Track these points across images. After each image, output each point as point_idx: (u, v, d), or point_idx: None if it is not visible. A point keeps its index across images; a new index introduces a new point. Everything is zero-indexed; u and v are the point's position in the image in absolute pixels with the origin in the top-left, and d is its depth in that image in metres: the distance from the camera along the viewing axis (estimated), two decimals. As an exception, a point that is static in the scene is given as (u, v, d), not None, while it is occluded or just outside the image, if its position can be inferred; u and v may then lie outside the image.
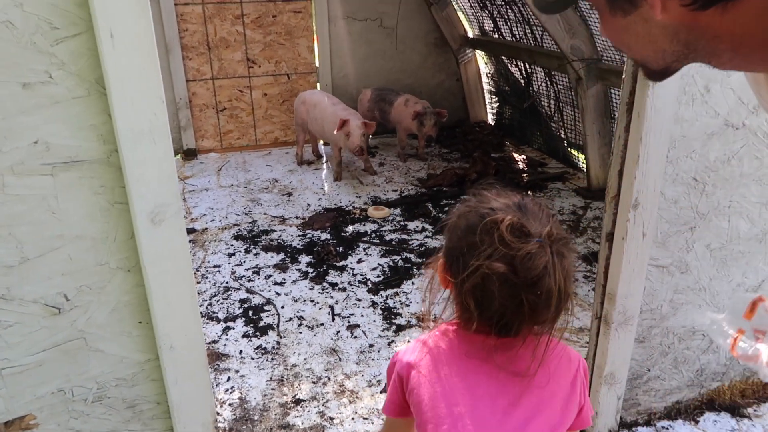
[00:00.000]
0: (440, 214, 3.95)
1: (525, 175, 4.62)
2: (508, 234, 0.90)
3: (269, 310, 2.85)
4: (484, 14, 5.20)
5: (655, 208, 1.74)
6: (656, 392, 2.13)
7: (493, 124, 5.90)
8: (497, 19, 5.01)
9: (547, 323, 0.96)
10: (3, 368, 1.31)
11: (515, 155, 5.17)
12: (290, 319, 2.78)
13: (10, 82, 1.12)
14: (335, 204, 4.18)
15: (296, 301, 2.94)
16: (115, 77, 1.14)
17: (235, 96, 5.31)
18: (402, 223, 3.83)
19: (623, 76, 1.65)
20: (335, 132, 4.21)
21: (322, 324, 2.74)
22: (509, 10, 4.72)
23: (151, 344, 1.42)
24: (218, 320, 2.77)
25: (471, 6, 5.30)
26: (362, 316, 2.80)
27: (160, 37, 4.88)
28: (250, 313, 2.83)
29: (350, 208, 4.10)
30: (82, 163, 1.22)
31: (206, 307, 2.88)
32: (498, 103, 5.82)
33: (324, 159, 5.17)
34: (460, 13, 5.55)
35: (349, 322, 2.75)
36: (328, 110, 4.43)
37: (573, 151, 4.83)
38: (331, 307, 2.87)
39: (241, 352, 2.53)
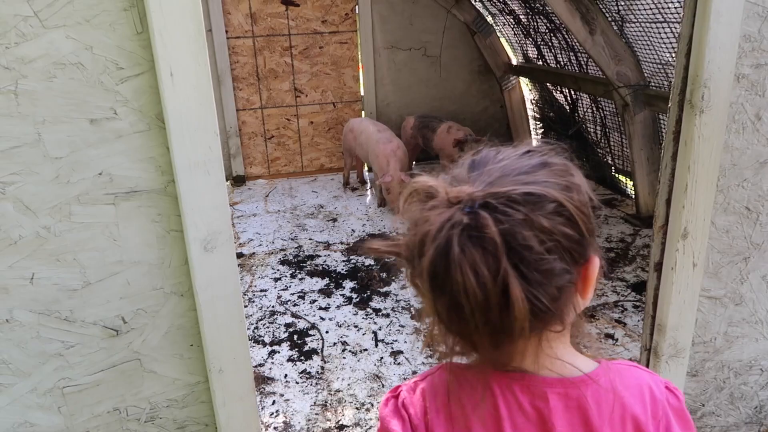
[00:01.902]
0: (484, 241, 3.93)
1: (571, 201, 4.56)
2: (416, 201, 0.68)
3: (314, 335, 2.89)
4: (527, 42, 5.22)
5: (706, 238, 1.71)
6: (712, 429, 2.05)
7: (537, 150, 5.86)
8: (541, 47, 5.01)
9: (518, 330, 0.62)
10: (64, 387, 1.38)
11: (561, 181, 5.11)
12: (334, 344, 2.81)
13: (80, 118, 1.20)
14: (379, 230, 4.22)
15: (340, 326, 2.97)
16: (173, 113, 1.21)
17: (283, 124, 5.46)
18: (445, 250, 3.82)
19: (669, 105, 1.64)
20: (377, 183, 4.36)
21: (366, 350, 2.75)
22: (553, 38, 4.72)
23: (202, 367, 1.47)
24: (264, 344, 2.82)
25: (515, 34, 5.33)
26: (405, 342, 2.80)
27: (213, 68, 5.07)
28: (295, 337, 2.87)
29: (394, 233, 4.12)
30: (141, 193, 1.29)
31: (253, 331, 2.94)
32: (543, 129, 5.79)
33: (368, 185, 5.23)
34: (503, 41, 5.58)
35: (392, 348, 2.76)
36: (372, 139, 4.50)
37: (621, 177, 4.75)
38: (375, 332, 2.89)
39: (286, 375, 2.57)
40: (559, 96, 5.22)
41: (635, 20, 3.54)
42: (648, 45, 3.58)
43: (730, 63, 1.53)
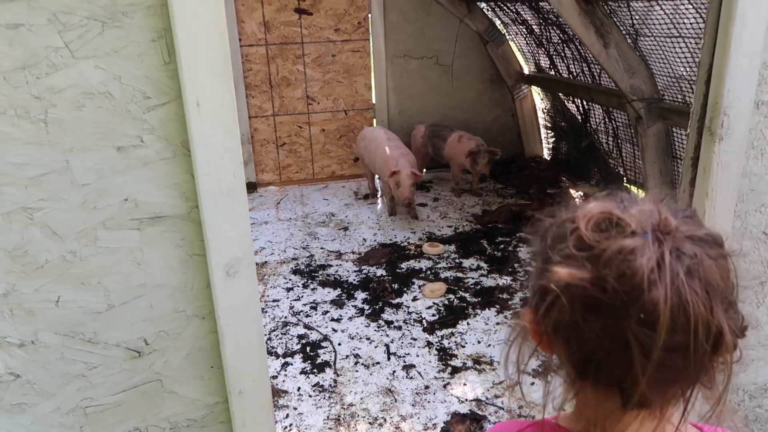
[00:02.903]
0: (495, 252, 3.93)
1: (582, 212, 4.55)
2: (590, 231, 0.59)
3: (326, 347, 2.91)
4: (540, 51, 5.22)
5: (723, 263, 1.70)
6: (725, 450, 2.05)
7: (549, 159, 5.87)
8: (554, 57, 5.02)
9: (684, 383, 0.59)
10: (87, 407, 1.40)
11: (572, 191, 5.11)
12: (347, 356, 2.82)
13: (107, 146, 1.22)
14: (390, 239, 4.23)
15: (352, 338, 2.98)
16: (199, 141, 1.23)
17: (295, 132, 5.48)
18: (457, 261, 3.83)
19: (688, 131, 1.64)
20: (386, 178, 4.30)
21: (378, 363, 2.76)
22: (566, 48, 4.72)
23: (222, 388, 1.48)
24: (277, 356, 2.84)
25: (527, 43, 5.34)
26: (418, 356, 2.81)
27: (226, 76, 5.10)
28: (308, 349, 2.89)
29: (405, 243, 4.14)
30: (166, 219, 1.31)
31: (266, 342, 2.95)
32: (554, 139, 5.79)
33: (379, 193, 5.25)
34: (515, 50, 5.59)
35: (404, 361, 2.77)
36: (381, 147, 4.50)
37: (632, 188, 4.74)
38: (387, 345, 2.90)
39: (299, 389, 2.58)
40: (571, 106, 5.21)
41: (649, 34, 3.54)
42: (662, 59, 3.58)
43: (750, 91, 1.53)
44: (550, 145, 5.87)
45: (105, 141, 1.22)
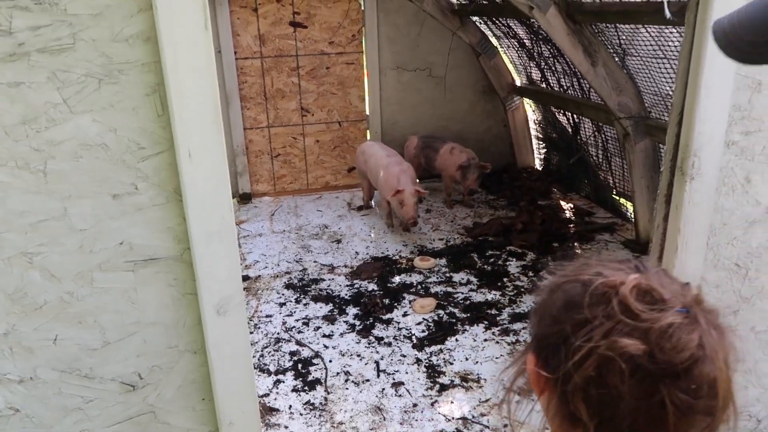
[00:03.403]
0: (485, 266, 4.00)
1: (572, 225, 4.63)
2: (635, 300, 0.64)
3: (317, 364, 2.97)
4: (531, 65, 5.29)
5: (696, 294, 1.77)
6: (701, 470, 2.12)
7: (540, 170, 5.94)
8: (545, 70, 5.09)
9: None
10: (82, 438, 1.46)
11: (562, 203, 5.18)
12: (337, 373, 2.88)
13: (102, 193, 1.29)
14: (382, 252, 4.29)
15: (343, 355, 3.04)
16: (191, 189, 1.29)
17: (289, 143, 5.54)
18: (447, 275, 3.90)
19: (662, 169, 1.71)
20: (389, 197, 4.28)
21: (368, 380, 2.83)
22: (556, 62, 4.80)
23: (213, 418, 1.55)
24: (269, 373, 2.90)
25: (519, 56, 5.41)
26: (407, 373, 2.88)
27: (221, 89, 5.16)
28: (300, 366, 2.95)
29: (397, 257, 4.20)
30: (159, 260, 1.37)
31: (258, 359, 3.02)
32: (545, 150, 5.86)
33: (373, 204, 5.31)
34: (508, 63, 5.66)
35: (393, 379, 2.83)
36: (381, 164, 4.53)
37: (622, 200, 4.82)
38: (377, 362, 2.96)
39: (290, 407, 2.64)
40: (561, 118, 5.29)
41: (636, 54, 3.61)
42: (649, 77, 3.66)
43: (720, 132, 1.60)
44: (542, 156, 5.94)
45: (101, 189, 1.28)
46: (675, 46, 3.16)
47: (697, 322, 0.63)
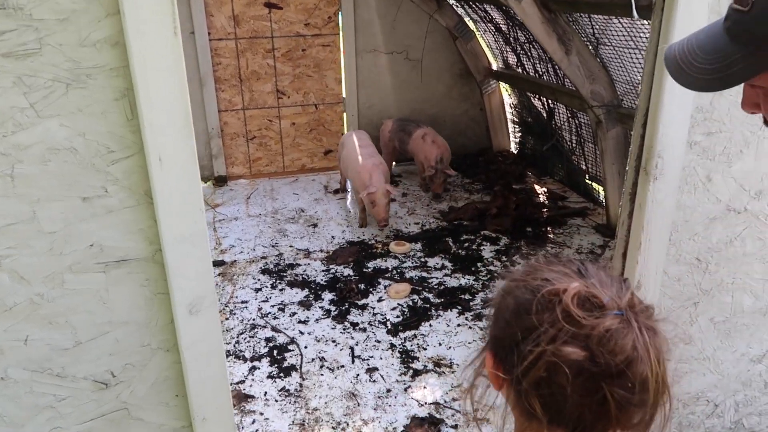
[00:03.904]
0: (459, 251, 4.06)
1: (545, 210, 4.70)
2: (576, 307, 0.71)
3: (293, 350, 3.00)
4: (507, 49, 5.31)
5: (658, 287, 1.84)
6: (660, 453, 2.21)
7: (515, 153, 5.99)
8: (520, 55, 5.11)
9: (641, 426, 0.74)
10: (56, 435, 1.47)
11: (536, 187, 5.25)
12: (312, 360, 2.93)
13: (72, 197, 1.28)
14: (358, 237, 4.32)
15: (318, 340, 3.08)
16: (161, 194, 1.29)
17: (265, 125, 5.50)
18: (422, 260, 3.95)
19: (627, 168, 1.76)
20: (361, 195, 4.22)
21: (343, 366, 2.87)
22: (532, 48, 4.82)
23: (186, 414, 1.57)
24: (245, 359, 2.93)
25: (495, 40, 5.41)
26: (381, 359, 2.93)
27: (195, 71, 5.09)
28: (275, 352, 2.98)
29: (373, 242, 4.23)
30: (131, 261, 1.38)
31: (234, 345, 3.04)
32: (521, 134, 5.91)
33: (349, 188, 5.32)
34: (484, 47, 5.66)
35: (368, 364, 2.88)
36: (354, 154, 4.47)
37: (594, 185, 4.90)
38: (352, 348, 3.01)
39: (265, 393, 2.68)
40: (537, 103, 5.33)
41: (609, 44, 3.65)
42: (621, 66, 3.70)
43: (682, 134, 1.65)
44: (517, 140, 5.99)
45: (70, 192, 1.28)
46: (646, 37, 3.20)
47: (630, 325, 0.71)
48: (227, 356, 2.95)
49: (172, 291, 1.40)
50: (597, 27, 3.62)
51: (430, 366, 2.86)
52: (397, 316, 3.30)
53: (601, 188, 4.76)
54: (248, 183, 5.53)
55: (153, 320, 1.45)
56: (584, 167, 4.95)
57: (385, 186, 4.12)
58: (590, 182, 4.95)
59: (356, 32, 5.39)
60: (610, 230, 4.27)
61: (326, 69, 5.47)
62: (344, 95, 5.62)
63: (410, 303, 3.42)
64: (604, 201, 4.66)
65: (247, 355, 2.97)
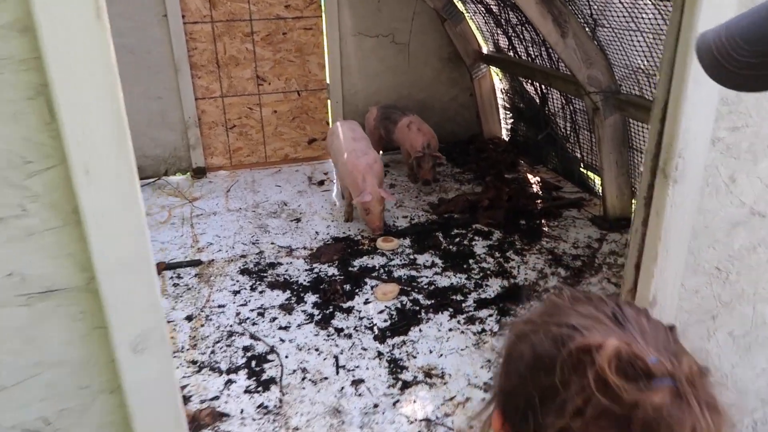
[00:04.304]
0: (450, 246, 3.85)
1: (539, 201, 4.50)
2: (614, 373, 0.55)
3: (273, 360, 2.79)
4: (498, 31, 5.06)
5: (675, 302, 1.64)
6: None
7: (507, 140, 5.78)
8: (512, 38, 4.87)
9: None
10: (-18, 493, 1.25)
11: (529, 176, 5.04)
12: (294, 371, 2.71)
13: (-20, 219, 1.05)
14: (344, 232, 4.10)
15: (300, 349, 2.87)
16: (91, 212, 1.07)
17: (245, 113, 5.24)
18: (411, 257, 3.74)
19: (641, 169, 1.54)
20: (354, 202, 3.94)
21: (326, 378, 2.67)
22: (524, 30, 4.58)
23: (137, 461, 1.36)
24: (220, 372, 2.71)
25: (485, 22, 5.17)
26: (367, 368, 2.73)
27: (169, 56, 4.81)
28: (253, 363, 2.77)
29: (359, 237, 4.01)
30: (60, 292, 1.15)
31: (209, 356, 2.82)
32: (513, 120, 5.69)
33: (334, 181, 5.09)
34: (474, 29, 5.41)
35: (353, 376, 2.68)
36: (344, 147, 4.11)
37: (590, 174, 4.70)
38: (336, 357, 2.80)
39: (242, 411, 2.47)
40: (529, 88, 5.10)
41: (608, 25, 3.42)
42: (620, 50, 3.48)
43: (707, 129, 1.44)
44: (509, 126, 5.77)
45: (-22, 213, 1.05)
46: (649, 19, 2.98)
47: (686, 401, 0.55)
48: (201, 369, 2.73)
49: (110, 326, 1.17)
50: (595, 7, 3.39)
51: (421, 377, 2.66)
52: (385, 320, 3.09)
53: (596, 177, 4.57)
54: (228, 175, 5.27)
55: (92, 359, 1.23)
56: (579, 155, 4.74)
57: (381, 192, 3.82)
58: (585, 171, 4.75)
59: (340, 14, 5.12)
60: (607, 222, 4.08)
61: (309, 53, 5.20)
62: (328, 81, 5.36)
63: (399, 305, 3.21)
64: (600, 191, 4.47)
65: (223, 366, 2.75)
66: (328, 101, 5.42)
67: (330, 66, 5.31)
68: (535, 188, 4.80)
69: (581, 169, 4.78)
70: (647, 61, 3.30)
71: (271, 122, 5.34)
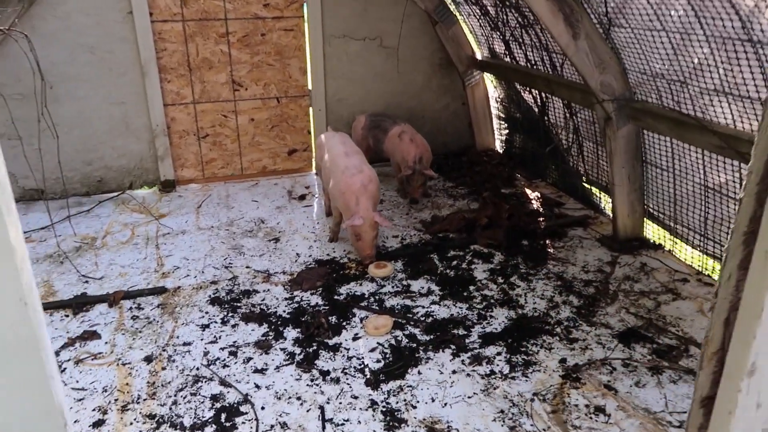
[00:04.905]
0: (448, 271, 3.45)
1: (541, 219, 4.13)
2: None
3: (246, 413, 2.35)
4: (494, 35, 4.71)
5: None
6: None
7: (501, 152, 5.42)
8: (510, 42, 4.52)
9: None
10: None
11: (528, 191, 4.68)
12: (271, 427, 2.27)
13: None
14: (328, 254, 3.68)
15: (279, 398, 2.43)
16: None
17: (219, 121, 4.80)
18: (405, 282, 3.33)
19: (741, 195, 1.15)
20: (343, 225, 3.51)
21: (310, 435, 2.24)
22: (524, 33, 4.23)
23: None
24: (183, 429, 2.26)
25: (480, 26, 4.81)
26: (359, 422, 2.30)
27: (135, 57, 4.37)
28: (223, 417, 2.32)
29: (345, 260, 3.59)
30: None
31: (170, 408, 2.37)
32: (507, 131, 5.33)
33: (317, 196, 4.66)
34: (468, 33, 5.06)
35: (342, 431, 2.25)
36: (338, 164, 3.62)
37: (594, 189, 4.34)
38: (322, 408, 2.37)
39: (207, 482, 2.02)
40: (527, 97, 4.75)
41: (625, 25, 3.07)
42: (637, 53, 3.13)
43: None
44: (504, 138, 5.42)
45: None
46: (679, 16, 2.63)
47: None
48: (160, 425, 2.28)
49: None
50: (612, 5, 3.04)
51: (423, 432, 2.24)
52: (378, 360, 2.67)
53: (602, 193, 4.21)
54: (200, 188, 4.82)
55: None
56: (582, 169, 4.39)
57: (374, 216, 3.38)
58: (589, 186, 4.40)
59: (323, 15, 4.72)
60: (617, 243, 3.72)
61: (289, 57, 4.79)
62: (310, 87, 4.95)
63: (393, 341, 2.80)
64: (606, 209, 4.12)
65: (187, 422, 2.30)
66: (310, 109, 5.01)
67: (312, 71, 4.90)
68: (535, 204, 4.43)
69: (584, 184, 4.43)
70: (670, 64, 2.96)
71: (248, 131, 4.91)
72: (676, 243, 3.56)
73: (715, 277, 3.31)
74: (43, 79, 3.94)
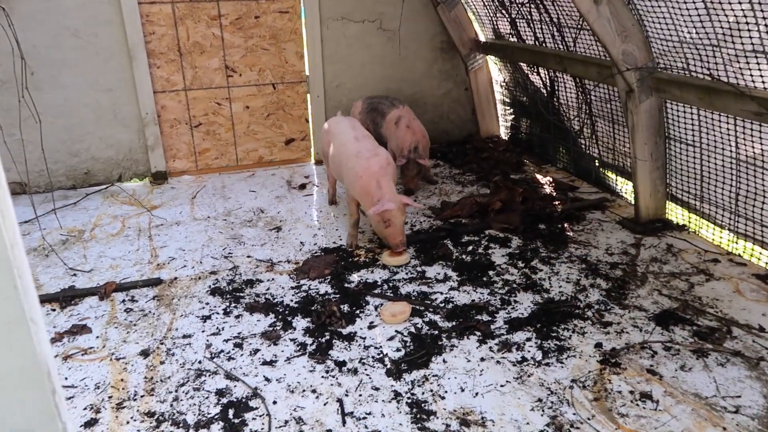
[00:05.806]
0: (464, 256, 3.23)
1: (557, 202, 3.92)
2: None
3: (256, 408, 2.11)
4: (499, 15, 4.51)
5: None
6: None
7: (507, 139, 5.22)
8: (517, 21, 4.32)
9: None
10: None
11: (539, 177, 4.48)
12: (286, 422, 2.04)
13: None
14: (334, 242, 3.44)
15: (293, 391, 2.19)
16: None
17: (212, 109, 4.56)
18: (419, 269, 3.10)
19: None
20: (369, 212, 3.11)
21: (330, 431, 2.00)
22: (533, 10, 4.04)
23: None
24: (187, 427, 2.01)
25: (484, 5, 4.61)
26: (383, 415, 2.06)
27: (122, 41, 4.12)
28: (231, 413, 2.08)
29: (353, 247, 3.36)
30: None
31: (171, 405, 2.12)
32: (513, 116, 5.13)
33: (316, 182, 4.43)
34: (470, 14, 4.86)
35: (365, 426, 2.01)
36: (350, 150, 3.31)
37: (609, 173, 4.15)
38: (340, 401, 2.13)
39: (217, 486, 1.78)
40: (535, 78, 4.56)
41: (652, -13, 2.88)
42: (664, 18, 2.94)
43: None
44: (509, 123, 5.22)
45: None
46: (715, -30, 2.44)
47: None
48: (160, 423, 2.03)
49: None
50: (637, -35, 2.85)
51: (455, 425, 2.01)
52: (398, 349, 2.44)
53: (618, 177, 4.02)
54: (194, 180, 4.57)
55: None
56: (595, 152, 4.20)
57: (402, 199, 3.11)
58: (603, 170, 4.20)
59: (321, -5, 4.51)
60: (639, 225, 3.52)
61: (285, 41, 4.56)
62: (307, 72, 4.72)
63: (412, 329, 2.57)
64: (623, 191, 3.93)
65: (190, 419, 2.05)
66: (308, 95, 4.78)
67: (309, 55, 4.68)
68: (548, 189, 4.23)
69: (597, 167, 4.23)
70: (697, 31, 2.76)
71: (243, 120, 4.67)
72: (701, 223, 3.37)
73: (746, 257, 3.12)
74: (23, 58, 3.68)
